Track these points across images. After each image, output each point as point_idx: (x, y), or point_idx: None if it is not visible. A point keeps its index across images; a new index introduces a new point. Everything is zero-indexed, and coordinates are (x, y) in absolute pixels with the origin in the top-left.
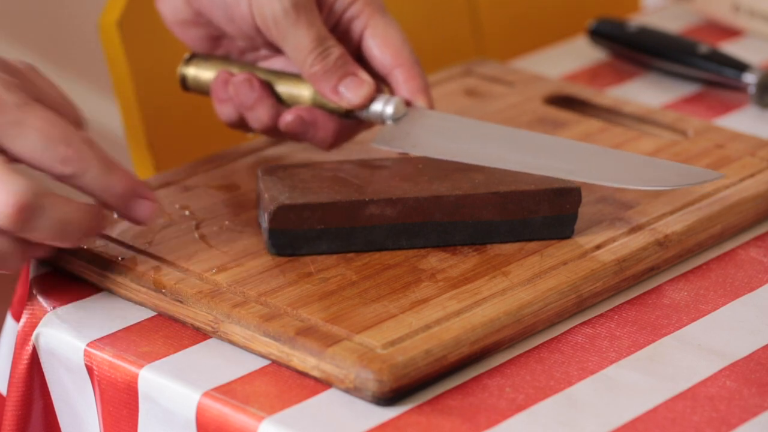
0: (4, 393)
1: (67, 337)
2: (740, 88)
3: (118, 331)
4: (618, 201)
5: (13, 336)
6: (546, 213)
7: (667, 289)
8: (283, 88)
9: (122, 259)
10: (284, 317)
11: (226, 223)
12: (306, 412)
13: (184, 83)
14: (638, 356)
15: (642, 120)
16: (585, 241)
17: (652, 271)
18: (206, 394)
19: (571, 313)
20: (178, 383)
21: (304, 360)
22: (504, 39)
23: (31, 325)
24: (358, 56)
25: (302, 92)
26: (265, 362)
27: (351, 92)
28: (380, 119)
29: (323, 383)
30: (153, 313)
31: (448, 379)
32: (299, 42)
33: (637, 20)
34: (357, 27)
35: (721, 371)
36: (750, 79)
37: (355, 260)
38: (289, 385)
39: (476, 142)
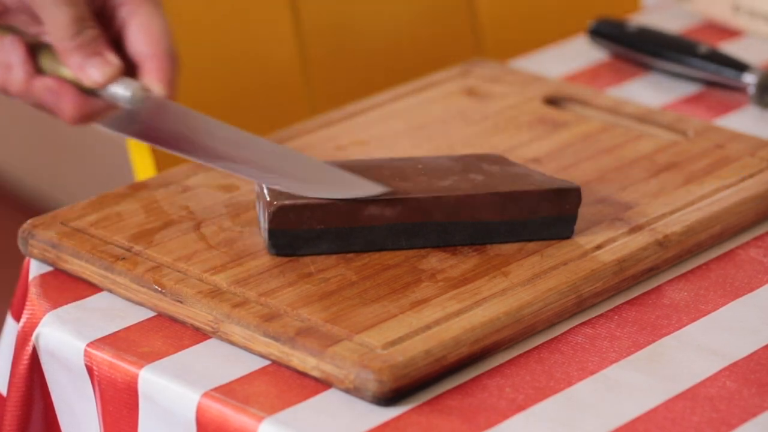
0: (5, 393)
1: (67, 337)
2: (740, 88)
3: (118, 331)
4: (618, 201)
5: (13, 336)
6: (546, 213)
7: (667, 289)
8: (46, 60)
9: (122, 259)
10: (284, 317)
11: (226, 223)
12: (306, 412)
13: None
14: (638, 356)
15: (642, 120)
16: (585, 241)
17: (652, 271)
18: (206, 394)
19: (571, 313)
20: (178, 383)
21: (304, 360)
22: (504, 39)
23: (31, 325)
24: (118, 42)
25: (63, 67)
26: (265, 362)
27: (95, 70)
28: (118, 101)
29: (323, 383)
30: (153, 313)
31: (448, 379)
32: (57, 18)
33: (637, 20)
34: (121, 13)
35: (721, 371)
36: (750, 79)
37: (355, 260)
38: (289, 385)
39: (202, 138)
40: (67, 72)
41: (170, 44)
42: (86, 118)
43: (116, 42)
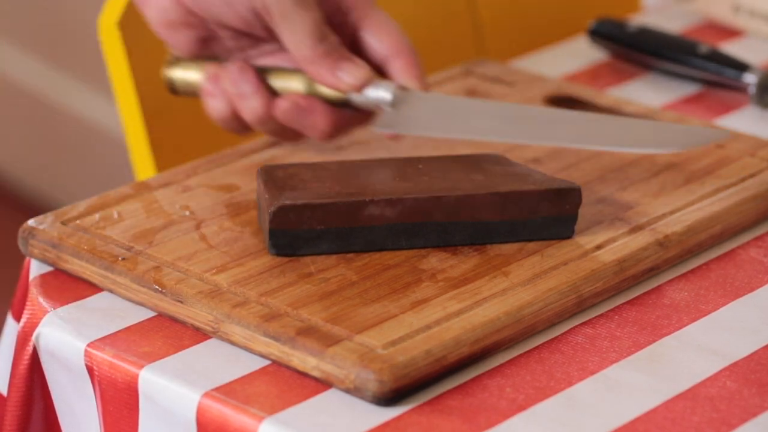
0: (5, 393)
1: (67, 338)
2: (740, 89)
3: (118, 331)
4: (618, 201)
5: (14, 336)
6: (546, 213)
7: (667, 289)
8: (276, 81)
9: (122, 259)
10: (284, 317)
11: (226, 223)
12: (306, 412)
13: (172, 86)
14: (638, 356)
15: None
16: (585, 241)
17: (653, 271)
18: (206, 394)
19: (572, 313)
20: (178, 383)
21: (305, 360)
22: (504, 39)
23: (32, 326)
24: (351, 49)
25: (295, 84)
26: (266, 362)
27: (349, 74)
28: (377, 105)
29: (323, 383)
30: (153, 313)
31: (448, 379)
32: (299, 24)
33: (637, 20)
34: (352, 18)
35: (721, 371)
36: (750, 79)
37: (356, 260)
38: (290, 385)
39: (476, 119)
40: (301, 88)
41: (409, 42)
42: (339, 130)
43: (348, 48)
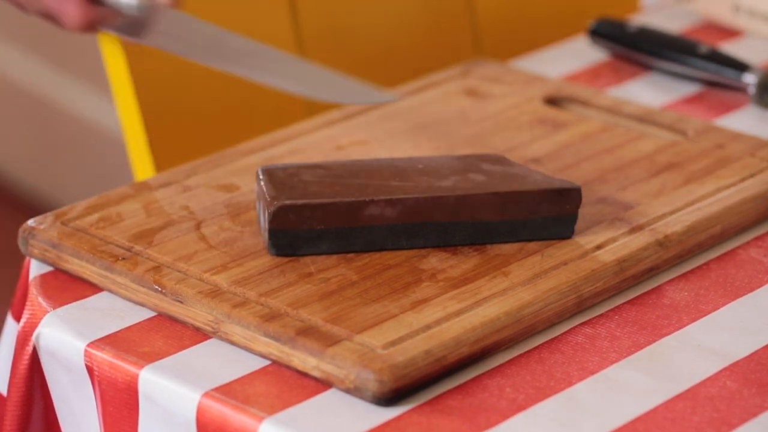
0: (5, 393)
1: (67, 337)
2: (740, 88)
3: (118, 331)
4: (618, 201)
5: (14, 336)
6: (546, 213)
7: (667, 289)
8: None
9: (122, 259)
10: (284, 317)
11: (226, 223)
12: (306, 412)
13: None
14: (638, 356)
15: (642, 120)
16: (585, 241)
17: (653, 271)
18: (206, 394)
19: (572, 313)
20: (178, 383)
21: (305, 360)
22: (504, 39)
23: (32, 326)
24: None
25: None
26: (266, 362)
27: None
28: (125, 8)
29: (323, 383)
30: (153, 313)
31: (448, 379)
32: None
33: (637, 20)
34: None
35: (721, 371)
36: (750, 79)
37: (356, 260)
38: (290, 385)
39: (209, 46)
40: None
41: None
42: (90, 24)
43: None
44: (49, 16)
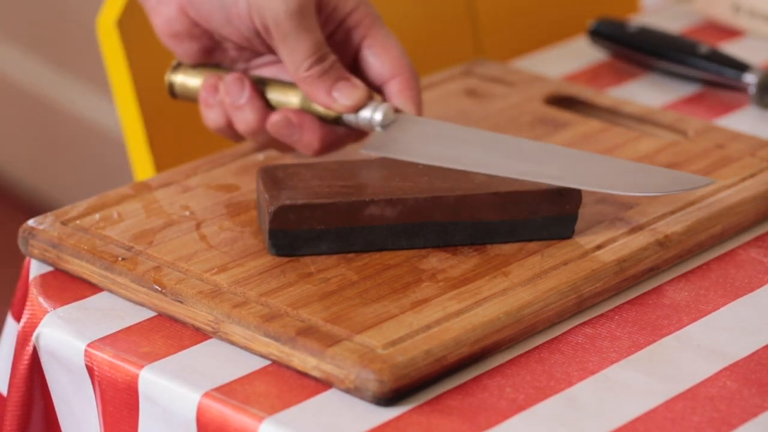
0: (5, 393)
1: (67, 338)
2: (740, 89)
3: (118, 331)
4: (618, 201)
5: (14, 336)
6: (546, 213)
7: (667, 289)
8: (273, 93)
9: (122, 259)
10: (284, 317)
11: (226, 223)
12: (306, 412)
13: (172, 90)
14: (638, 356)
15: (642, 120)
16: (585, 241)
17: (653, 271)
18: (206, 394)
19: (572, 313)
20: (178, 383)
21: (305, 360)
22: (504, 39)
23: (32, 326)
24: (353, 66)
25: (291, 98)
26: (266, 362)
27: (344, 96)
28: (369, 125)
29: (323, 383)
30: (153, 313)
31: (448, 379)
32: (298, 46)
33: (637, 20)
34: (355, 36)
35: (721, 371)
36: (750, 79)
37: (356, 260)
38: (290, 385)
39: (466, 148)
40: (295, 103)
41: (411, 63)
42: (329, 148)
43: (349, 66)
44: (281, 144)
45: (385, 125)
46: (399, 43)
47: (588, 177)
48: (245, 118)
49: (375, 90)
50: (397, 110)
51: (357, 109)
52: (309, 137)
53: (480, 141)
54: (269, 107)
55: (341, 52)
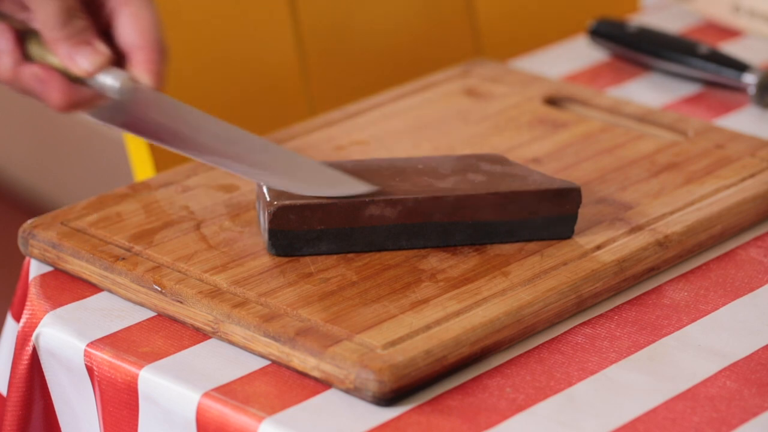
0: (5, 393)
1: (67, 337)
2: (740, 89)
3: (118, 331)
4: (618, 201)
5: (14, 336)
6: (546, 213)
7: (667, 289)
8: (35, 47)
9: (122, 259)
10: (284, 317)
11: (226, 223)
12: (306, 412)
13: None
14: (638, 356)
15: (642, 120)
16: (585, 241)
17: (652, 271)
18: (206, 394)
19: (571, 313)
20: (178, 383)
21: (305, 360)
22: (503, 39)
23: (31, 326)
24: (107, 32)
25: (50, 55)
26: (265, 362)
27: (83, 59)
28: (106, 91)
29: (323, 383)
30: (153, 313)
31: (448, 379)
32: (46, 7)
33: (637, 20)
34: (111, 3)
35: (721, 371)
36: (750, 79)
37: (356, 260)
38: (289, 385)
39: (192, 131)
40: (55, 60)
41: (159, 35)
42: (73, 106)
43: (105, 32)
44: (33, 95)
45: (122, 94)
46: (154, 14)
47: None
48: (2, 65)
49: (123, 58)
50: (134, 81)
51: (93, 73)
52: (54, 94)
53: (212, 129)
54: (29, 60)
55: (97, 17)
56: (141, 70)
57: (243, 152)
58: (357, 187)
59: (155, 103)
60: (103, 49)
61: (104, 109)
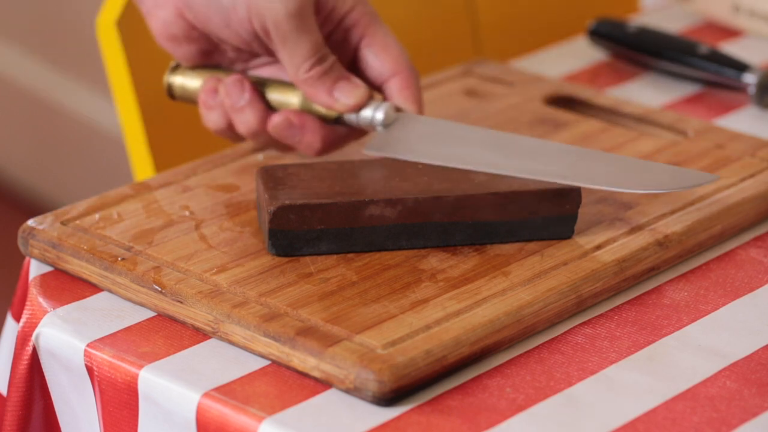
0: (5, 393)
1: (67, 338)
2: (740, 89)
3: (118, 331)
4: (618, 201)
5: (13, 336)
6: (546, 213)
7: (667, 289)
8: (273, 94)
9: (122, 259)
10: (284, 317)
11: (226, 223)
12: (306, 412)
13: (171, 92)
14: (638, 356)
15: (642, 120)
16: (585, 241)
17: (652, 271)
18: (206, 394)
19: (571, 313)
20: (178, 383)
21: (305, 360)
22: (504, 39)
23: (31, 326)
24: (352, 66)
25: (291, 99)
26: (265, 362)
27: (345, 95)
28: (370, 125)
29: (323, 383)
30: (153, 313)
31: (448, 379)
32: (298, 48)
33: (637, 20)
34: (354, 35)
35: (721, 371)
36: (750, 79)
37: (356, 260)
38: (289, 385)
39: (468, 147)
40: (301, 103)
41: (410, 62)
42: (330, 148)
43: (348, 65)
44: (284, 145)
45: (386, 124)
46: (398, 41)
47: (591, 175)
48: (246, 120)
49: (375, 89)
50: (398, 109)
51: (358, 108)
52: (310, 138)
53: (481, 139)
54: (269, 108)
55: (340, 52)
56: (402, 97)
57: (515, 155)
58: (694, 179)
59: (422, 126)
60: (360, 82)
61: (373, 142)
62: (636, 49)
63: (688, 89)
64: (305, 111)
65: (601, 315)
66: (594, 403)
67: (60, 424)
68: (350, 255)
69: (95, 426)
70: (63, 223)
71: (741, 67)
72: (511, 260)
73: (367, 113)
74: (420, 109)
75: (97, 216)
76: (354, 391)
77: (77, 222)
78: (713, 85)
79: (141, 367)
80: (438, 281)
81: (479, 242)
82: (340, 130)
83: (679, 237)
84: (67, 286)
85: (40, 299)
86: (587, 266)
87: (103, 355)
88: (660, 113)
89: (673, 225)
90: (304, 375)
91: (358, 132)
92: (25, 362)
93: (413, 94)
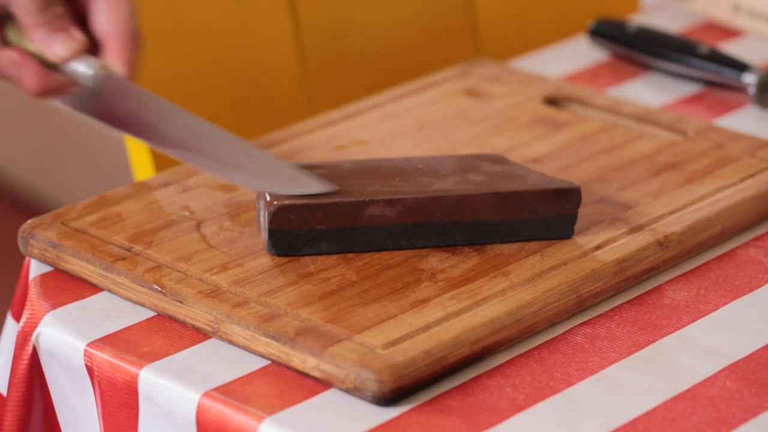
0: (5, 393)
1: (67, 337)
2: (740, 88)
3: (118, 331)
4: (618, 201)
5: (14, 336)
6: (546, 213)
7: (667, 289)
8: (12, 32)
9: (122, 259)
10: (284, 317)
11: (226, 223)
12: (306, 412)
13: None
14: (638, 356)
15: (642, 120)
16: (585, 241)
17: (652, 271)
18: (206, 394)
19: (571, 313)
20: (178, 383)
21: (305, 360)
22: (503, 39)
23: (31, 325)
24: (83, 22)
25: (29, 42)
26: (265, 362)
27: (59, 45)
28: (81, 79)
29: (323, 383)
30: (153, 313)
31: (448, 379)
32: None
33: (637, 20)
34: None
35: (721, 371)
36: (750, 79)
37: (356, 260)
38: (289, 385)
39: (162, 123)
40: (31, 46)
41: (134, 25)
42: (48, 92)
43: (81, 20)
44: (9, 80)
45: (95, 82)
46: (130, 4)
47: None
48: None
49: (99, 47)
50: (107, 69)
51: (68, 59)
52: (29, 79)
53: (180, 121)
54: (6, 44)
55: (73, 4)
56: (114, 59)
57: (208, 146)
58: (314, 187)
59: (127, 93)
60: (78, 36)
61: (77, 97)
62: (636, 49)
63: (688, 89)
64: (31, 53)
65: (601, 315)
66: (594, 403)
67: (60, 424)
68: (350, 255)
69: (95, 426)
70: (63, 223)
71: (741, 67)
72: (511, 260)
73: (76, 66)
74: (130, 74)
75: (96, 216)
76: (354, 390)
77: (77, 222)
78: (713, 85)
79: (141, 367)
80: (438, 281)
81: (479, 242)
82: (59, 78)
83: (679, 237)
84: (67, 286)
85: (40, 299)
86: (587, 266)
87: (103, 355)
88: (660, 113)
89: (673, 225)
90: (304, 375)
91: (75, 84)
92: (25, 362)
93: (126, 58)
